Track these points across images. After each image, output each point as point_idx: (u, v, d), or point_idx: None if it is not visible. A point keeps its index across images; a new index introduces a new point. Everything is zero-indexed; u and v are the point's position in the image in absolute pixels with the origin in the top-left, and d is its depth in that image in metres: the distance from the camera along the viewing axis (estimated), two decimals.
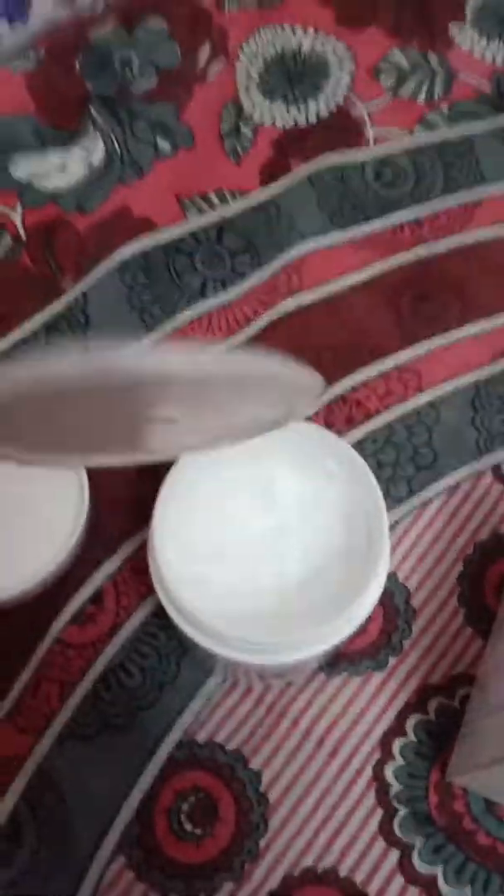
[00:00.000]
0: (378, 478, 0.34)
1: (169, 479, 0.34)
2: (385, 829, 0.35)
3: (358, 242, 0.49)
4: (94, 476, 0.39)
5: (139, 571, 0.39)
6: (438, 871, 0.34)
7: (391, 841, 0.34)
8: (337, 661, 0.37)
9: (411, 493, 0.42)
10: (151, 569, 0.33)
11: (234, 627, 0.31)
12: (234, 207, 0.49)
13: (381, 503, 0.34)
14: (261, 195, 0.50)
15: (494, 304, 0.48)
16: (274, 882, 0.33)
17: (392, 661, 0.38)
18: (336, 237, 0.49)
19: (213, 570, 0.34)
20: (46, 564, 0.36)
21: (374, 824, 0.35)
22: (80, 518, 0.37)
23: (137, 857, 0.34)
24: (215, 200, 0.49)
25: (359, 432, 0.44)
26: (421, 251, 0.49)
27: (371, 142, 0.53)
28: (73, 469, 0.38)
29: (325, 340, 0.46)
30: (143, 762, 0.35)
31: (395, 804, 0.35)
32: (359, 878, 0.34)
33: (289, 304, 0.47)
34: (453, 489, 0.42)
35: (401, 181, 0.52)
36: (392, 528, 0.41)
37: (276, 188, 0.50)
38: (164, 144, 0.51)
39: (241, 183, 0.50)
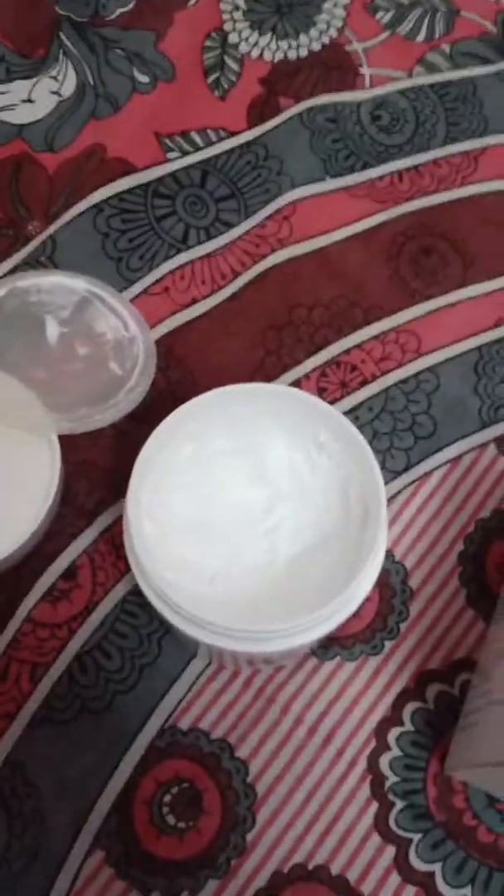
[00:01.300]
0: (374, 449, 0.33)
1: (146, 447, 0.32)
2: (380, 824, 0.34)
3: (353, 190, 0.48)
4: (67, 441, 0.37)
5: (118, 545, 0.37)
6: (437, 868, 0.34)
7: (387, 836, 0.34)
8: (329, 644, 0.37)
9: (409, 465, 0.41)
10: (126, 545, 0.32)
11: (219, 613, 0.30)
12: (219, 148, 0.47)
13: (379, 477, 0.32)
14: (248, 136, 0.48)
15: (500, 260, 0.47)
16: (262, 880, 0.33)
17: (388, 644, 0.37)
18: (330, 184, 0.48)
19: (195, 549, 0.33)
20: (14, 536, 0.35)
21: (368, 819, 0.34)
22: (52, 487, 0.36)
23: (116, 851, 0.33)
24: (198, 140, 0.48)
25: (353, 399, 0.42)
26: (421, 203, 0.48)
27: (367, 82, 0.51)
28: (44, 433, 0.36)
29: (316, 297, 0.45)
30: (122, 750, 0.34)
31: (392, 797, 0.35)
32: (352, 875, 0.33)
33: (278, 257, 0.45)
34: (454, 462, 0.41)
35: (399, 126, 0.50)
36: (389, 502, 0.40)
37: (264, 128, 0.49)
38: (141, 76, 0.49)
39: (227, 122, 0.48)
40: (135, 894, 0.32)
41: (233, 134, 0.48)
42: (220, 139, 0.48)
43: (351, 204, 0.47)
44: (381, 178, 0.48)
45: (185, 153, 0.47)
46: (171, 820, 0.33)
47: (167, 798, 0.34)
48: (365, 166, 0.49)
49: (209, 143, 0.48)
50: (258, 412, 0.34)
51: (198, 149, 0.47)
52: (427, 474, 0.41)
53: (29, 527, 0.35)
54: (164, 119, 0.48)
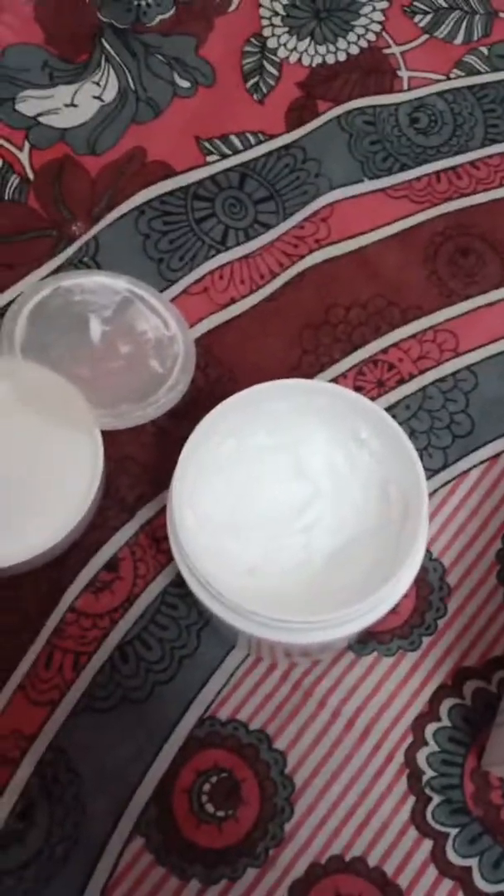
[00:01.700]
0: None
1: (189, 442, 0.33)
2: (417, 818, 0.35)
3: (390, 192, 0.49)
4: (109, 437, 0.39)
5: (158, 538, 0.38)
6: (474, 863, 0.34)
7: (424, 830, 0.35)
8: (366, 639, 0.38)
9: (447, 463, 0.42)
10: (171, 537, 0.33)
11: (258, 603, 0.30)
12: (258, 151, 0.49)
13: (421, 473, 0.33)
14: (286, 139, 0.50)
15: None
16: (299, 870, 0.34)
17: (426, 641, 0.38)
18: (367, 186, 0.49)
19: (237, 542, 0.34)
20: (58, 529, 0.36)
21: (405, 812, 0.35)
22: (94, 481, 0.37)
23: (156, 839, 0.34)
24: (237, 144, 0.49)
25: (391, 398, 0.43)
26: (459, 203, 0.49)
27: (406, 85, 0.52)
28: (87, 428, 0.38)
29: (354, 297, 0.46)
30: (162, 739, 0.35)
31: (429, 792, 0.35)
32: (389, 868, 0.34)
33: (316, 257, 0.47)
34: (492, 460, 0.42)
35: (437, 128, 0.51)
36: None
37: (302, 131, 0.50)
38: (181, 81, 0.50)
39: (266, 125, 0.50)
40: (174, 880, 0.33)
41: (271, 137, 0.49)
42: (259, 142, 0.49)
43: (389, 205, 0.48)
44: (418, 179, 0.49)
45: (224, 156, 0.48)
46: (210, 808, 0.34)
47: (206, 787, 0.35)
48: (403, 168, 0.50)
49: (248, 147, 0.49)
50: (297, 408, 0.35)
51: (237, 152, 0.49)
52: (465, 473, 0.42)
53: (72, 519, 0.36)
54: (204, 123, 0.49)
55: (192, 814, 0.34)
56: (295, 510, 0.35)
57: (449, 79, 0.53)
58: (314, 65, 0.52)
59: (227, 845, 0.34)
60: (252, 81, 0.51)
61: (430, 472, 0.42)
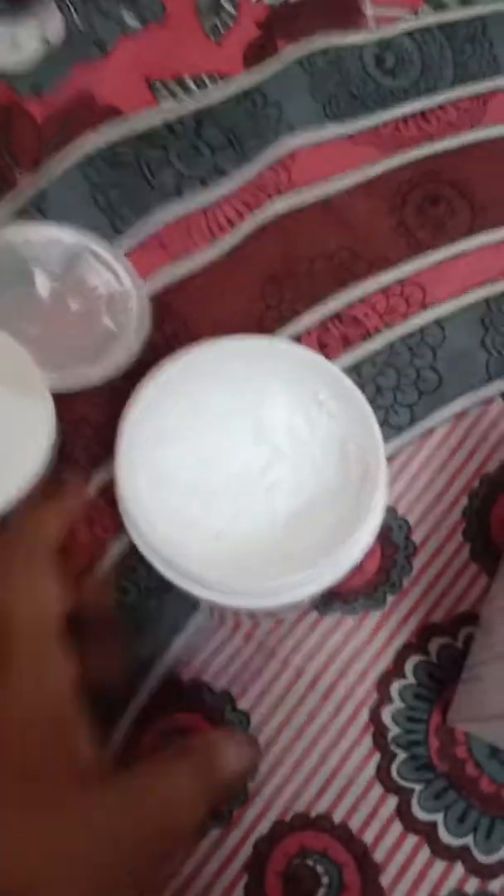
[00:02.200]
0: (377, 404, 0.38)
1: (136, 399, 0.36)
2: (382, 775, 0.39)
3: (356, 137, 0.52)
4: (61, 398, 0.42)
5: (114, 502, 0.42)
6: (439, 818, 0.39)
7: (389, 787, 0.39)
8: (331, 599, 0.42)
9: (413, 420, 0.46)
10: (119, 502, 0.36)
11: (217, 570, 0.34)
12: (214, 94, 0.52)
13: (378, 434, 0.37)
14: (245, 81, 0.53)
15: None
16: (264, 828, 0.38)
17: (390, 598, 0.42)
18: (331, 130, 0.52)
19: (192, 506, 0.37)
20: (9, 496, 0.39)
21: (370, 769, 0.39)
22: (46, 444, 0.40)
23: None
24: (192, 85, 0.52)
25: (356, 354, 0.47)
26: (427, 149, 0.53)
27: (371, 23, 0.55)
28: (37, 390, 0.41)
29: (318, 249, 0.49)
30: (124, 703, 0.39)
31: (394, 748, 0.39)
32: (354, 824, 0.38)
33: (277, 207, 0.50)
34: (459, 417, 0.46)
35: (405, 68, 0.55)
36: (393, 458, 0.45)
37: (262, 72, 0.53)
38: (130, 18, 0.53)
39: (222, 66, 0.53)
40: None
41: (228, 79, 0.53)
42: (216, 84, 0.52)
43: (354, 151, 0.52)
44: (385, 124, 0.53)
45: (178, 99, 0.51)
46: None
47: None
48: (368, 112, 0.53)
49: (203, 89, 0.52)
50: (256, 367, 0.39)
51: (191, 94, 0.52)
52: (431, 430, 0.46)
53: (24, 485, 0.39)
54: (156, 64, 0.52)
55: None
56: (255, 473, 0.39)
57: (417, 16, 0.56)
58: (275, 2, 0.55)
59: None
60: (207, 20, 0.54)
61: (397, 430, 0.45)
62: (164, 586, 0.41)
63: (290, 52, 0.54)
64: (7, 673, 0.31)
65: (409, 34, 0.55)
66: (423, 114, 0.54)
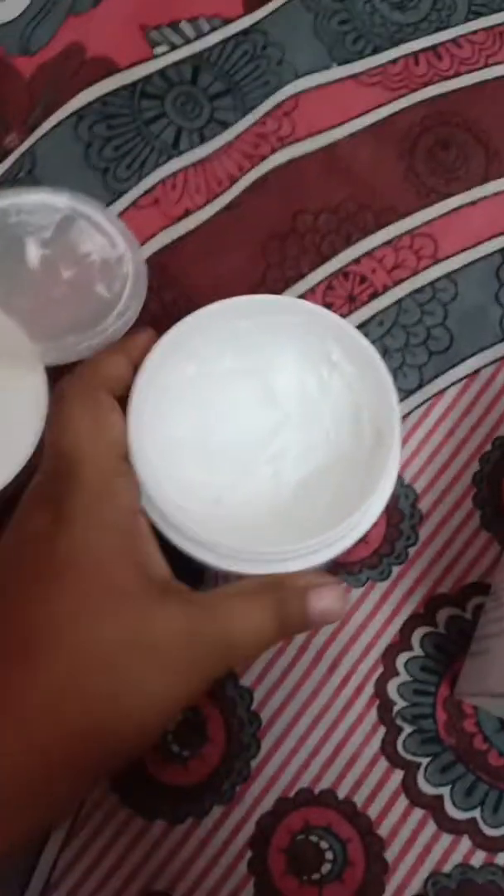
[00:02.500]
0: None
1: (146, 366, 0.36)
2: (388, 749, 0.39)
3: (362, 78, 0.50)
4: (55, 372, 0.41)
5: None
6: (445, 792, 0.38)
7: (395, 761, 0.38)
8: (335, 571, 0.41)
9: (422, 383, 0.44)
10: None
11: (224, 535, 0.34)
12: (212, 39, 0.50)
13: (394, 396, 0.36)
14: (244, 23, 0.50)
15: None
16: (267, 804, 0.38)
17: (396, 570, 0.41)
18: (336, 73, 0.50)
19: (200, 471, 0.37)
20: (3, 472, 0.38)
21: (376, 744, 0.39)
22: (39, 421, 0.39)
23: (120, 779, 0.38)
24: (189, 32, 0.50)
25: (363, 314, 0.45)
26: (439, 89, 0.50)
27: None
28: (29, 364, 0.40)
29: (323, 201, 0.47)
30: None
31: (400, 722, 0.39)
32: (359, 799, 0.38)
33: (279, 157, 0.48)
34: (471, 377, 0.44)
35: (414, 2, 0.52)
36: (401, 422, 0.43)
37: (262, 13, 0.50)
38: None
39: (221, 8, 0.50)
40: (139, 820, 0.37)
41: (227, 22, 0.50)
42: (214, 29, 0.50)
43: (360, 93, 0.49)
44: (394, 62, 0.50)
45: (174, 47, 0.49)
46: (175, 748, 0.38)
47: (171, 726, 0.38)
48: (376, 50, 0.50)
49: (201, 34, 0.50)
50: (264, 327, 0.38)
51: (188, 41, 0.49)
52: (441, 392, 0.44)
53: (18, 462, 0.39)
54: (151, 9, 0.50)
55: (157, 752, 0.38)
56: (263, 438, 0.38)
57: None
58: None
59: (192, 783, 0.38)
60: None
61: (405, 393, 0.44)
62: (168, 559, 0.40)
63: None
64: (79, 494, 0.32)
65: None
66: (434, 50, 0.51)
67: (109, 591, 0.31)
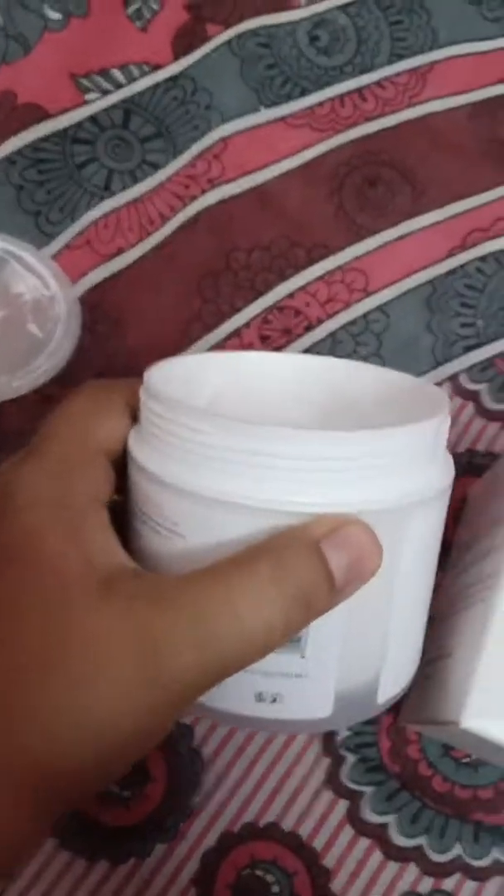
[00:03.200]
0: None
1: None
2: (332, 780, 0.38)
3: (290, 120, 0.51)
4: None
5: None
6: (391, 820, 0.38)
7: (339, 791, 0.38)
8: None
9: None
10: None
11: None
12: (142, 84, 0.50)
13: None
14: (173, 69, 0.51)
15: (451, 187, 0.50)
16: (211, 840, 0.37)
17: None
18: (264, 115, 0.51)
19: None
20: None
21: (320, 775, 0.38)
22: None
23: (59, 821, 0.37)
24: (119, 77, 0.50)
25: (298, 346, 0.46)
26: (365, 129, 0.51)
27: (304, 0, 0.54)
28: None
29: (254, 239, 0.48)
30: None
31: (343, 752, 0.38)
32: (304, 832, 0.37)
33: (210, 198, 0.49)
34: None
35: (340, 46, 0.53)
36: None
37: (191, 59, 0.51)
38: (52, 13, 0.51)
39: (150, 55, 0.51)
40: (80, 863, 0.36)
41: (157, 68, 0.51)
42: (144, 74, 0.51)
43: (288, 135, 0.50)
44: (320, 104, 0.51)
45: (105, 92, 0.50)
46: (114, 788, 0.37)
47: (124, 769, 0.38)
48: (303, 93, 0.51)
49: (131, 80, 0.50)
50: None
51: (119, 87, 0.50)
52: None
53: None
54: (81, 57, 0.51)
55: (97, 796, 0.37)
56: None
57: None
58: None
59: (134, 822, 0.37)
60: (133, 7, 0.52)
61: None
62: None
63: (220, 36, 0.52)
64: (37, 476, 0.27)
65: (343, 8, 0.54)
66: (359, 91, 0.52)
67: (37, 587, 0.24)
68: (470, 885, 0.37)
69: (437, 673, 0.37)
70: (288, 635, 0.24)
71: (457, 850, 0.37)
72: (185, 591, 0.23)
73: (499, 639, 0.32)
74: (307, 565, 0.24)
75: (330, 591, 0.24)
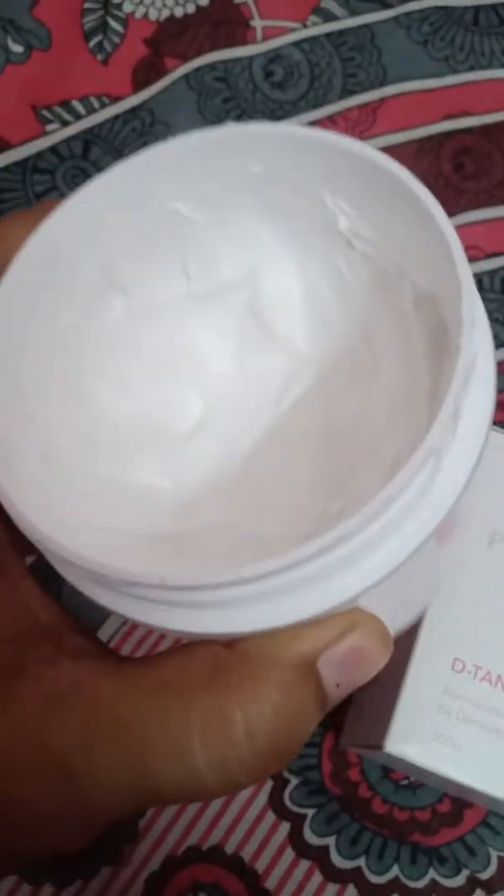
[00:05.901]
0: None
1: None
2: (275, 802, 0.37)
3: None
4: None
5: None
6: (331, 841, 0.37)
7: (281, 813, 0.37)
8: None
9: None
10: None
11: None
12: (102, 116, 0.49)
13: (466, 277, 0.18)
14: (133, 101, 0.50)
15: None
16: (155, 864, 0.36)
17: None
18: None
19: (75, 459, 0.21)
20: None
21: (262, 797, 0.37)
22: None
23: None
24: (80, 109, 0.49)
25: None
26: None
27: (259, 35, 0.52)
28: None
29: None
30: None
31: (286, 774, 0.37)
32: (247, 854, 0.36)
33: None
34: None
35: (294, 81, 0.52)
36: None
37: (149, 93, 0.50)
38: (14, 45, 0.50)
39: (110, 88, 0.50)
40: (25, 888, 0.35)
41: (117, 100, 0.50)
42: (104, 106, 0.49)
43: None
44: None
45: (65, 123, 0.49)
46: None
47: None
48: None
49: (91, 111, 0.49)
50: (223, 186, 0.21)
51: (79, 118, 0.49)
52: None
53: None
54: (42, 90, 0.49)
55: None
56: (272, 389, 0.23)
57: (305, 27, 0.53)
58: (162, 18, 0.52)
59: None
60: (95, 41, 0.51)
61: None
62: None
63: (177, 71, 0.51)
64: None
65: (298, 45, 0.53)
66: (312, 126, 0.51)
67: None
68: None
69: (367, 698, 0.36)
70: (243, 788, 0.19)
71: (394, 872, 0.36)
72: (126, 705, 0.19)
73: (421, 665, 0.31)
74: (298, 697, 0.18)
75: (313, 719, 0.19)
